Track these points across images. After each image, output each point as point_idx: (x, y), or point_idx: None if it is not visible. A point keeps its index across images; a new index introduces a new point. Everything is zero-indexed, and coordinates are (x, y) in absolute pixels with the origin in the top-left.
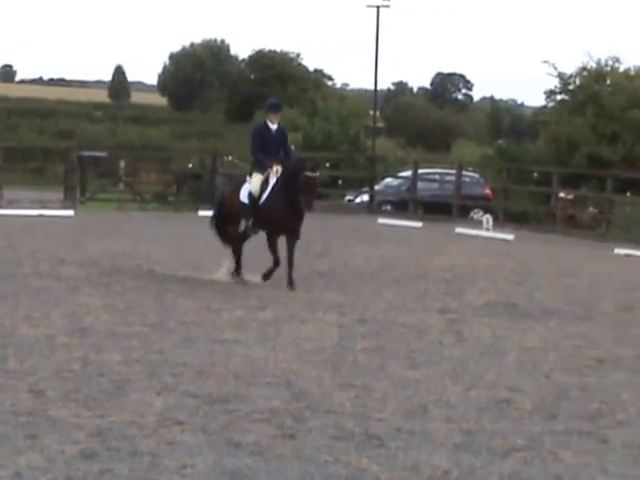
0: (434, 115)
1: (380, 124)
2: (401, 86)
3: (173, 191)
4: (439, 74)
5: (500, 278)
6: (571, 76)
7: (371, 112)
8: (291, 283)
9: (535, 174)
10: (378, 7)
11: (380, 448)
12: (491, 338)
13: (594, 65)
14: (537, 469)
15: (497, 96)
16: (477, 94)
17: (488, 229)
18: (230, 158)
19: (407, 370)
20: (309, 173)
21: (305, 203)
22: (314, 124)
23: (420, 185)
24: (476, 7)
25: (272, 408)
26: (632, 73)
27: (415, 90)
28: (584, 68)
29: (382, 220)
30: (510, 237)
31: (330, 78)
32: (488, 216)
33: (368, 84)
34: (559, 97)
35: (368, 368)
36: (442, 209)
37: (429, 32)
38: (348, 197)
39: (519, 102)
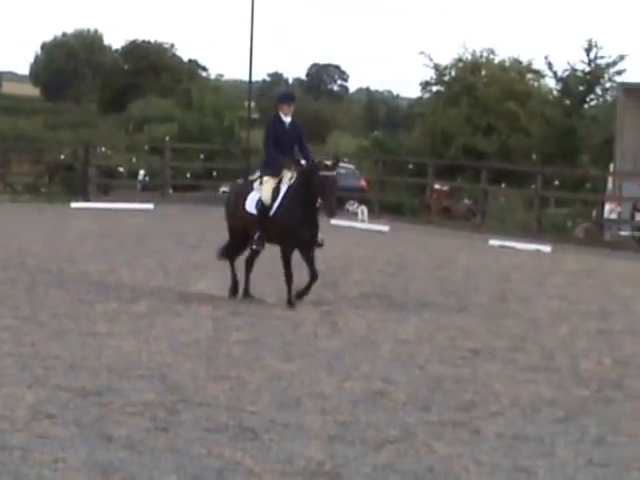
0: (310, 106)
1: (255, 115)
2: (276, 77)
3: (45, 182)
4: (314, 65)
5: (375, 270)
6: (446, 67)
7: (246, 103)
8: (290, 301)
9: (410, 166)
10: None
11: (254, 440)
12: (366, 330)
13: (469, 57)
14: (410, 460)
15: (373, 87)
16: (353, 85)
17: (363, 221)
18: (103, 149)
19: (281, 362)
20: (325, 172)
21: (326, 207)
22: (189, 115)
23: None
24: None
25: (145, 401)
26: (507, 65)
27: (290, 81)
28: (459, 59)
29: None
30: (385, 229)
31: (204, 69)
32: (363, 208)
33: (243, 75)
34: (434, 88)
35: (242, 360)
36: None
37: (304, 23)
38: (223, 189)
39: (395, 93)
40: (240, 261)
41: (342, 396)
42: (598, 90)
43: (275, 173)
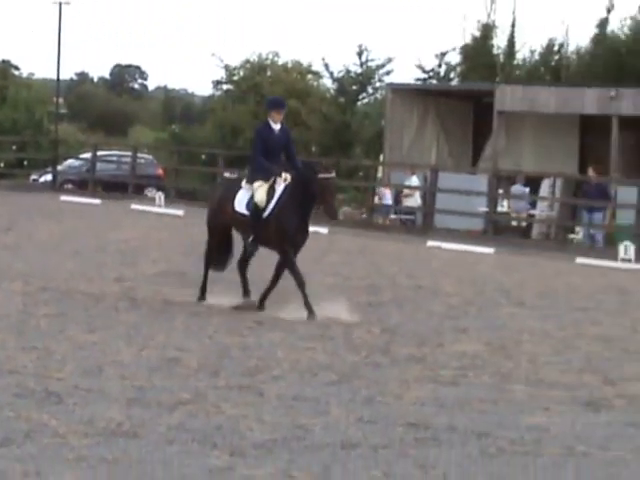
0: (113, 103)
1: (63, 110)
2: (83, 76)
3: None
4: (117, 65)
5: (171, 250)
6: (236, 68)
7: (55, 99)
8: (262, 302)
9: (203, 156)
10: (60, 3)
11: (59, 404)
12: (162, 304)
13: (256, 58)
14: (201, 420)
15: (170, 86)
16: (152, 84)
17: (160, 205)
18: None
19: (85, 334)
20: (324, 174)
21: (327, 210)
22: (2, 111)
23: (99, 166)
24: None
25: None
26: (289, 66)
27: (96, 80)
28: (247, 61)
29: (64, 198)
30: (180, 213)
31: (17, 68)
32: (160, 194)
33: (52, 74)
34: (225, 87)
35: (49, 332)
36: (119, 187)
37: (108, 26)
38: (33, 177)
39: (190, 91)
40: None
41: (140, 363)
42: (369, 89)
43: (266, 178)
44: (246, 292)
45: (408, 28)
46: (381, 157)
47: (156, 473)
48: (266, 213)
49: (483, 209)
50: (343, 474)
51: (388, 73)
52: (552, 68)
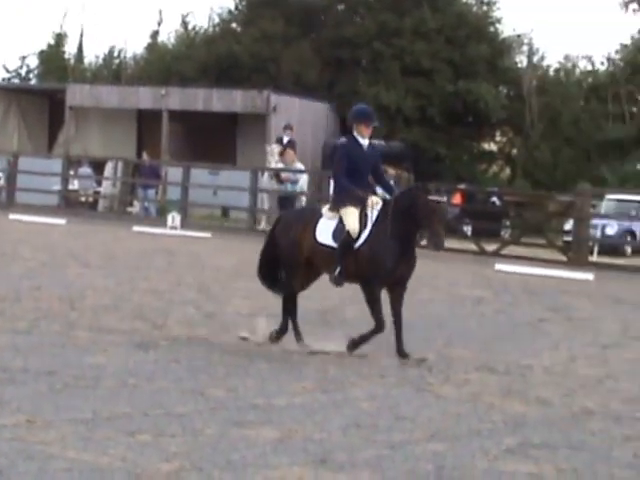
0: None
1: None
2: None
3: None
4: None
5: None
6: None
7: None
8: (401, 350)
9: None
10: None
11: None
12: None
13: None
14: None
15: None
16: None
17: None
18: None
19: None
20: (434, 197)
21: (432, 238)
22: None
23: None
24: None
25: None
26: None
27: None
28: None
29: None
30: None
31: None
32: None
33: None
34: None
35: None
36: None
37: None
38: None
39: None
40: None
41: None
42: None
43: (354, 203)
44: (298, 333)
45: None
46: None
47: None
48: (358, 243)
49: (57, 187)
50: None
51: None
52: (114, 70)
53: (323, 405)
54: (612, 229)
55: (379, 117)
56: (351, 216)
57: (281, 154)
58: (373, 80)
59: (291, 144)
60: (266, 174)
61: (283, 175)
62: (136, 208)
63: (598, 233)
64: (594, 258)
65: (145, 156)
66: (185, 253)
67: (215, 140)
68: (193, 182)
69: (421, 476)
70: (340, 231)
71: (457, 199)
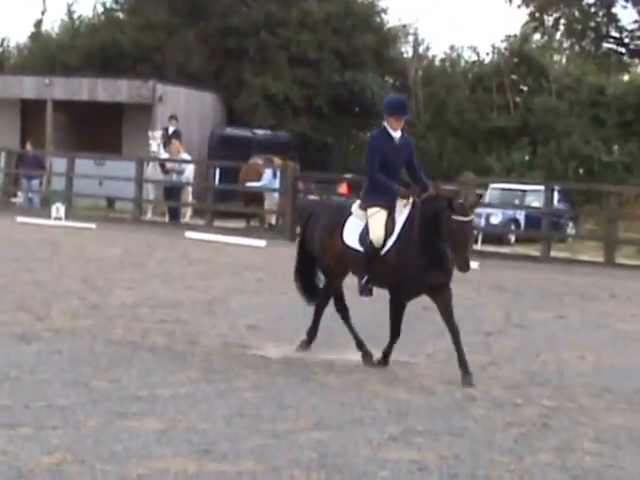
0: None
1: None
2: None
3: None
4: None
5: None
6: None
7: None
8: (464, 369)
9: None
10: None
11: None
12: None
13: None
14: None
15: None
16: None
17: None
18: None
19: None
20: (459, 217)
21: (457, 261)
22: None
23: None
24: None
25: None
26: None
27: None
28: None
29: None
30: None
31: None
32: None
33: None
34: None
35: None
36: None
37: None
38: None
39: None
40: None
41: None
42: None
43: (386, 203)
44: (359, 344)
45: None
46: None
47: None
48: (385, 249)
49: None
50: None
51: None
52: None
53: (207, 395)
54: (496, 218)
55: (267, 107)
56: (377, 221)
57: (166, 145)
58: (260, 70)
59: (176, 134)
60: (151, 163)
61: (168, 165)
62: (20, 199)
63: (482, 222)
64: (478, 247)
65: (29, 146)
66: (69, 244)
67: (100, 130)
68: (78, 172)
69: (305, 464)
70: (366, 235)
71: (343, 189)
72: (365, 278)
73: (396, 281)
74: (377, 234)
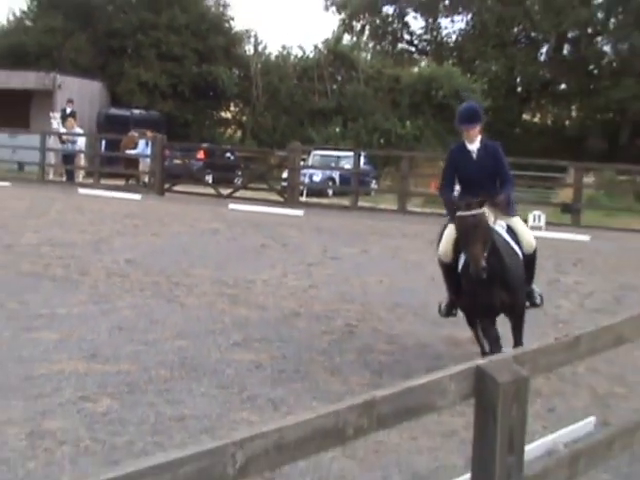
0: None
1: None
2: None
3: None
4: None
5: None
6: None
7: None
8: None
9: None
10: None
11: None
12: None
13: None
14: None
15: None
16: None
17: None
18: None
19: None
20: (462, 212)
21: (471, 264)
22: None
23: None
24: None
25: None
26: None
27: None
28: None
29: None
30: None
31: None
32: None
33: None
34: None
35: None
36: None
37: None
38: None
39: None
40: None
41: None
42: None
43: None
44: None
45: None
46: None
47: None
48: (459, 267)
49: None
50: None
51: None
52: None
53: (94, 313)
54: (317, 177)
55: (141, 92)
56: (446, 236)
57: (64, 122)
58: (136, 63)
59: (72, 114)
60: (52, 136)
61: (64, 137)
62: None
63: (307, 180)
64: (304, 199)
65: None
66: None
67: (13, 111)
68: None
69: (169, 365)
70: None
71: (201, 155)
72: (446, 299)
73: (467, 302)
74: (442, 249)
